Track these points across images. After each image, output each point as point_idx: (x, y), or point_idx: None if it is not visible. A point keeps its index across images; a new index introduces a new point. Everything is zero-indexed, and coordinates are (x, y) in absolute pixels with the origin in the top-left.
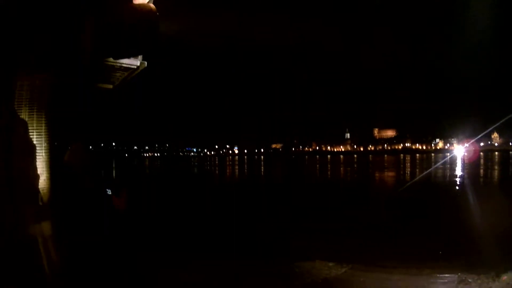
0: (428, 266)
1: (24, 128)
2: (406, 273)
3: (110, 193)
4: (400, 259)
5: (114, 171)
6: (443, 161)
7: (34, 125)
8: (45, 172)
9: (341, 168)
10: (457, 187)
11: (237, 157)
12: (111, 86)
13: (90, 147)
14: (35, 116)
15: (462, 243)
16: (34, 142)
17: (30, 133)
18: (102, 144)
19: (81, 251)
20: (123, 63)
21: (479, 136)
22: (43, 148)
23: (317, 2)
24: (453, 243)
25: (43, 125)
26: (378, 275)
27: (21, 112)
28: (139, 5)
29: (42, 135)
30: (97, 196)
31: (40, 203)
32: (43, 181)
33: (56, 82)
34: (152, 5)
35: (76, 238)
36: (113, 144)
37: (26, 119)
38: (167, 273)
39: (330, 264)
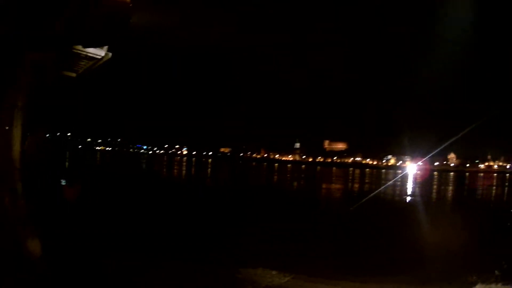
0: (375, 280)
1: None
2: (351, 286)
3: (64, 183)
4: (345, 272)
5: (67, 162)
6: (383, 176)
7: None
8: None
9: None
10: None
11: (185, 158)
12: (74, 75)
13: (48, 135)
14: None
15: (406, 258)
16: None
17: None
18: (58, 134)
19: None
20: (88, 52)
21: (431, 154)
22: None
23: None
24: (399, 258)
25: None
26: (320, 286)
27: None
28: None
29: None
30: (51, 185)
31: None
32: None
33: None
34: None
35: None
36: (68, 134)
37: None
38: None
39: (273, 272)
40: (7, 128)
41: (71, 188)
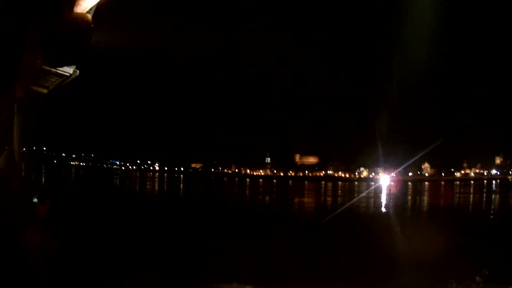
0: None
1: None
2: None
3: (36, 200)
4: (319, 283)
5: (43, 177)
6: (358, 188)
7: None
8: None
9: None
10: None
11: (157, 173)
12: (45, 91)
13: (23, 150)
14: None
15: (382, 268)
16: None
17: None
18: (34, 148)
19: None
20: (57, 70)
21: (405, 165)
22: None
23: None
24: (373, 267)
25: None
26: None
27: None
28: (77, 15)
29: None
30: (23, 203)
31: None
32: None
33: None
34: (89, 16)
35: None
36: (44, 148)
37: None
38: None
39: (247, 287)
40: None
41: (43, 205)
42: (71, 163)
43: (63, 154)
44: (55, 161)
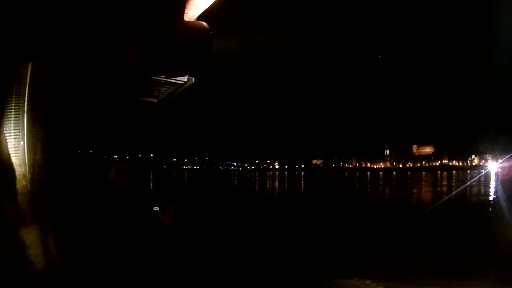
0: (466, 284)
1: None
2: None
3: (158, 209)
4: (435, 277)
5: (152, 184)
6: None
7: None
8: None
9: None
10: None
11: (277, 172)
12: (155, 100)
13: (135, 162)
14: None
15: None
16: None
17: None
18: (139, 155)
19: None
20: (169, 79)
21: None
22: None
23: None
24: (487, 258)
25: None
26: None
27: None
28: (191, 23)
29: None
30: (144, 215)
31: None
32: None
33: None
34: (205, 24)
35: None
36: (151, 155)
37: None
38: None
39: (367, 281)
40: None
41: (165, 214)
42: (183, 167)
43: (174, 159)
44: (164, 167)
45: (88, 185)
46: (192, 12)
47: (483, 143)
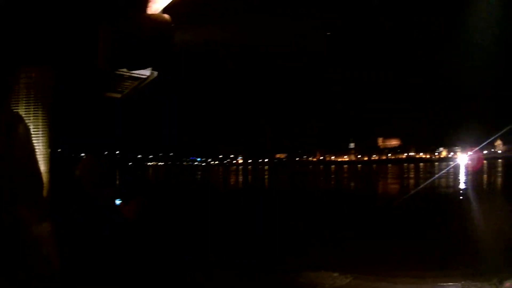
0: (431, 275)
1: (23, 125)
2: (411, 282)
3: (120, 202)
4: (400, 268)
5: (118, 180)
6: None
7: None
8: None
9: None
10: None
11: (241, 167)
12: (119, 96)
13: (100, 157)
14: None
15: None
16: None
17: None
18: (105, 152)
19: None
20: (132, 73)
21: (483, 144)
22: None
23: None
24: (455, 250)
25: (41, 124)
26: (382, 284)
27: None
28: (153, 15)
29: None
30: (107, 208)
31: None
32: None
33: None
34: (167, 16)
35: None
36: (117, 152)
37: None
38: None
39: (335, 274)
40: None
41: (127, 206)
42: (148, 163)
43: (139, 156)
44: (130, 163)
45: (61, 184)
46: (155, 6)
47: (451, 136)
